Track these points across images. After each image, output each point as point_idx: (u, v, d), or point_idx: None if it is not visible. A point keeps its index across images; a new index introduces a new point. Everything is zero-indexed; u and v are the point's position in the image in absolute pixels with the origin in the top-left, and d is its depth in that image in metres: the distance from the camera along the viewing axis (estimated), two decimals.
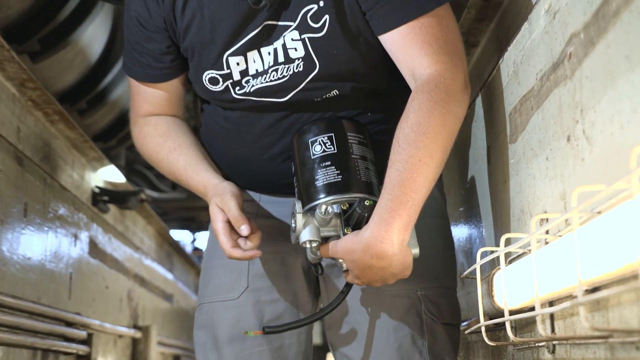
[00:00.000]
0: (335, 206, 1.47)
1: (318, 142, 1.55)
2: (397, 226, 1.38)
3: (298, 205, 1.49)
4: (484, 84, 1.73)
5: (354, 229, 1.45)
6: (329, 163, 1.52)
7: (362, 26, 1.53)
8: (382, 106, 1.66)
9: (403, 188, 1.38)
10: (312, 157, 1.54)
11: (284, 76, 1.57)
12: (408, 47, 1.48)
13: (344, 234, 1.45)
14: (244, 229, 1.55)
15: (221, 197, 1.59)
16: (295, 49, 1.55)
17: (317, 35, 1.53)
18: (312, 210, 1.50)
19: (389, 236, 1.37)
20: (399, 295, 1.66)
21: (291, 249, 1.69)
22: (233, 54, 1.57)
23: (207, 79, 1.61)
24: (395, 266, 1.42)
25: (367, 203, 1.42)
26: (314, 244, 1.49)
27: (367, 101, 1.63)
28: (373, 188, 1.52)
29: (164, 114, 1.75)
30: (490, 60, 1.82)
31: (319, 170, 1.52)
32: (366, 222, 1.42)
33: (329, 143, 1.55)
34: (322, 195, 1.50)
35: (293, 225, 1.50)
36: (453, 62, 1.46)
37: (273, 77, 1.58)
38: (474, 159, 1.88)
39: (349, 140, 1.55)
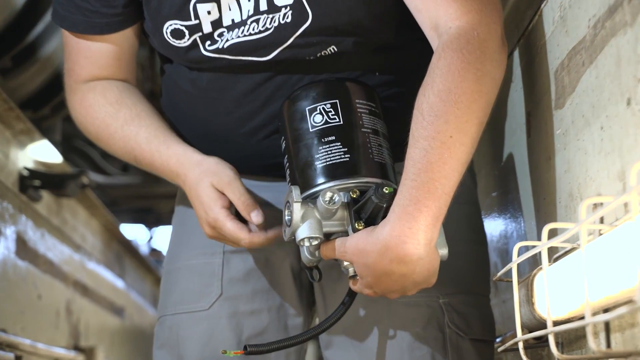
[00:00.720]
0: (342, 194, 1.48)
1: (318, 111, 1.55)
2: (424, 221, 1.39)
3: (295, 192, 1.49)
4: (522, 34, 1.75)
5: (367, 224, 1.46)
6: (333, 138, 1.53)
7: None
8: (392, 64, 1.67)
9: (431, 173, 1.39)
10: (311, 130, 1.54)
11: (267, 29, 1.58)
12: None
13: (355, 230, 1.46)
14: (257, 216, 1.60)
15: (219, 176, 1.61)
16: None
17: None
18: (312, 199, 1.50)
19: (414, 234, 1.38)
20: (416, 304, 1.68)
21: (277, 246, 1.70)
22: (203, 0, 1.58)
23: (168, 31, 1.62)
24: (419, 273, 1.43)
25: (386, 191, 1.42)
26: (315, 242, 1.49)
27: (372, 58, 1.65)
28: (387, 171, 1.53)
29: (113, 77, 1.75)
30: (530, 4, 1.84)
31: (320, 147, 1.52)
32: (384, 215, 1.43)
33: (333, 112, 1.55)
34: (324, 179, 1.50)
35: (288, 217, 1.50)
36: (487, 12, 1.47)
37: (253, 29, 1.59)
38: (510, 130, 1.90)
39: (358, 109, 1.56)
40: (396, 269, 1.41)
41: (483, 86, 1.43)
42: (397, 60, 1.67)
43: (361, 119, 1.55)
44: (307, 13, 1.56)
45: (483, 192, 2.19)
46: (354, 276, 1.51)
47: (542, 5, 1.59)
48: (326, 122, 1.54)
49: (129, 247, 5.51)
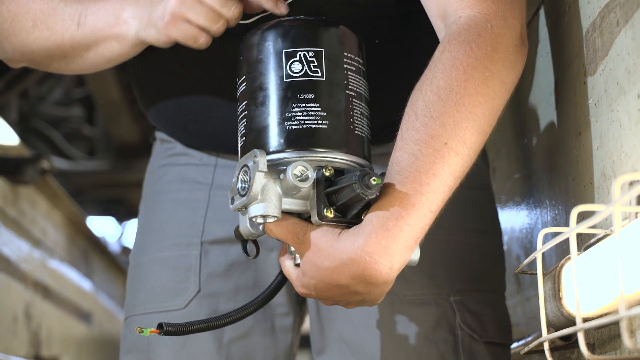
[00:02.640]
0: (312, 169, 1.38)
1: (298, 58, 1.45)
2: (403, 242, 1.34)
3: (262, 160, 1.37)
4: None
5: (338, 212, 1.38)
6: (311, 96, 1.43)
7: None
8: (394, 31, 1.67)
9: (418, 184, 1.35)
10: (285, 80, 1.44)
11: None
12: None
13: (322, 218, 1.37)
14: None
15: None
16: None
17: None
18: (273, 166, 1.40)
19: (389, 255, 1.33)
20: (424, 302, 1.69)
21: (263, 236, 1.71)
22: None
23: None
24: (374, 294, 1.40)
25: (373, 182, 1.33)
26: (269, 221, 1.39)
27: (370, 27, 1.65)
28: (365, 147, 1.46)
29: None
30: None
31: (294, 105, 1.42)
32: (361, 211, 1.37)
33: (316, 63, 1.45)
34: (294, 147, 1.40)
35: (243, 185, 1.40)
36: (506, 3, 1.46)
37: None
38: (535, 101, 1.90)
39: (345, 65, 1.47)
40: (354, 285, 1.37)
41: (490, 89, 1.41)
42: (400, 27, 1.68)
43: (347, 78, 1.46)
44: None
45: (504, 175, 2.19)
46: (296, 262, 1.45)
47: None
48: (306, 74, 1.44)
49: (96, 244, 5.53)
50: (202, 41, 1.59)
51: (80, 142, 5.91)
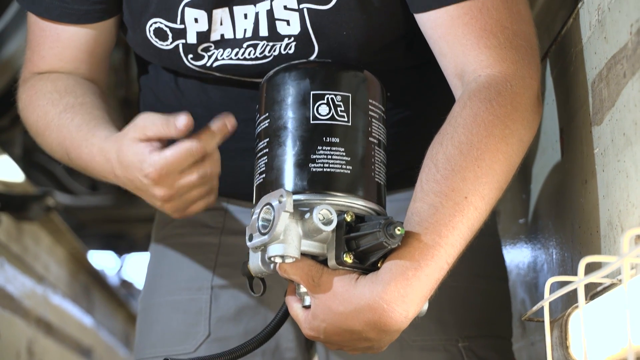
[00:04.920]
0: (335, 213, 1.37)
1: (326, 101, 1.44)
2: (420, 292, 1.34)
3: (288, 200, 1.35)
4: (554, 40, 1.76)
5: (356, 259, 1.38)
6: (337, 140, 1.43)
7: None
8: (401, 83, 1.69)
9: (437, 236, 1.36)
10: (312, 122, 1.44)
11: (265, 56, 1.60)
12: (460, 36, 1.49)
13: (340, 263, 1.37)
14: (182, 119, 1.46)
15: (132, 124, 1.50)
16: (288, 23, 1.56)
17: (321, 8, 1.55)
18: (298, 209, 1.39)
19: (407, 305, 1.34)
20: (433, 347, 1.70)
21: (272, 281, 1.72)
22: (193, 4, 1.57)
23: (152, 29, 1.62)
24: (384, 342, 1.40)
25: (398, 232, 1.33)
26: (288, 261, 1.38)
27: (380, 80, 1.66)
28: (382, 195, 1.47)
29: (77, 74, 1.72)
30: (563, 4, 1.85)
31: (319, 147, 1.43)
32: (379, 260, 1.37)
33: (343, 108, 1.44)
34: (318, 190, 1.40)
35: (264, 224, 1.38)
36: (524, 64, 1.48)
37: (249, 54, 1.59)
38: (541, 149, 1.91)
39: (370, 112, 1.48)
40: (366, 332, 1.37)
41: (509, 147, 1.42)
42: (408, 79, 1.70)
43: (370, 125, 1.47)
44: (313, 47, 1.57)
45: (509, 219, 2.20)
46: (305, 301, 1.43)
47: (578, 6, 1.59)
48: (332, 118, 1.44)
49: (97, 278, 5.51)
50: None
51: (83, 177, 5.89)
